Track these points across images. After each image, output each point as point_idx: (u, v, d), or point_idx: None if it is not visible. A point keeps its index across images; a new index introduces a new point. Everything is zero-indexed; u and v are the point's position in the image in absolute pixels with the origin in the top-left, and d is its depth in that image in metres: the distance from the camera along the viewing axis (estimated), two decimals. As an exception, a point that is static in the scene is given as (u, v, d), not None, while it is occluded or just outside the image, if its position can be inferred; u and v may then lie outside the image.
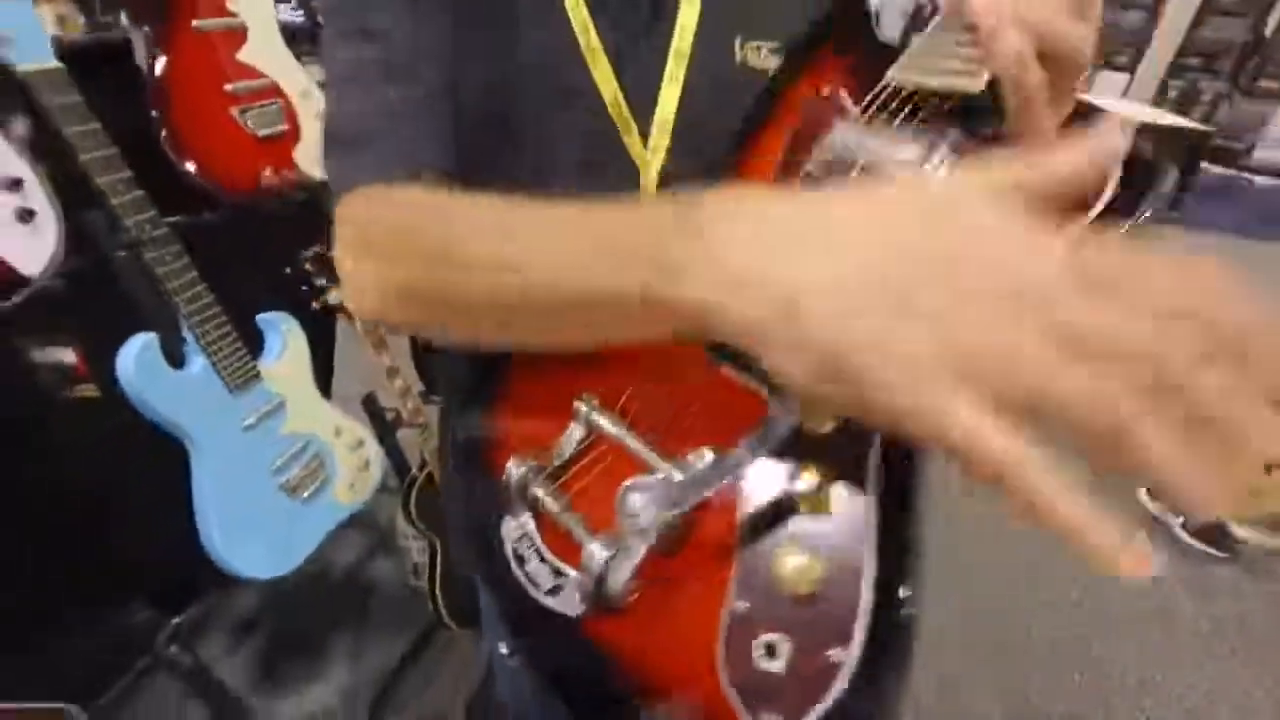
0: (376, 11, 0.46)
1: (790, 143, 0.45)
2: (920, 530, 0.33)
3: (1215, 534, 1.83)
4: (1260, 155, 4.28)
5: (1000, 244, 0.23)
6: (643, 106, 0.50)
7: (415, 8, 0.46)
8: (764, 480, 0.36)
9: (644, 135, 0.50)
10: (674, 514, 0.35)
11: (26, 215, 0.89)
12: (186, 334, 1.01)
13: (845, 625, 0.32)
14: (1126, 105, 4.40)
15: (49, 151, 0.90)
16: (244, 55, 1.19)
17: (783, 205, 0.28)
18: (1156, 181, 0.26)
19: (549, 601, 0.40)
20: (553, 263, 0.33)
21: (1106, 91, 4.76)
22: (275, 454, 1.15)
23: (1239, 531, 1.80)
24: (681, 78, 0.50)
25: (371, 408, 1.38)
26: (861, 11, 0.49)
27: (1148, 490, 1.87)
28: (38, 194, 0.91)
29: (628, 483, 0.37)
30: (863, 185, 0.27)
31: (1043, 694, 1.45)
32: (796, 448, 0.35)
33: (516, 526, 0.43)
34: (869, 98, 0.41)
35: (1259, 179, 4.21)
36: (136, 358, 0.95)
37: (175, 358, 1.00)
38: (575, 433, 0.42)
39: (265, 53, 1.22)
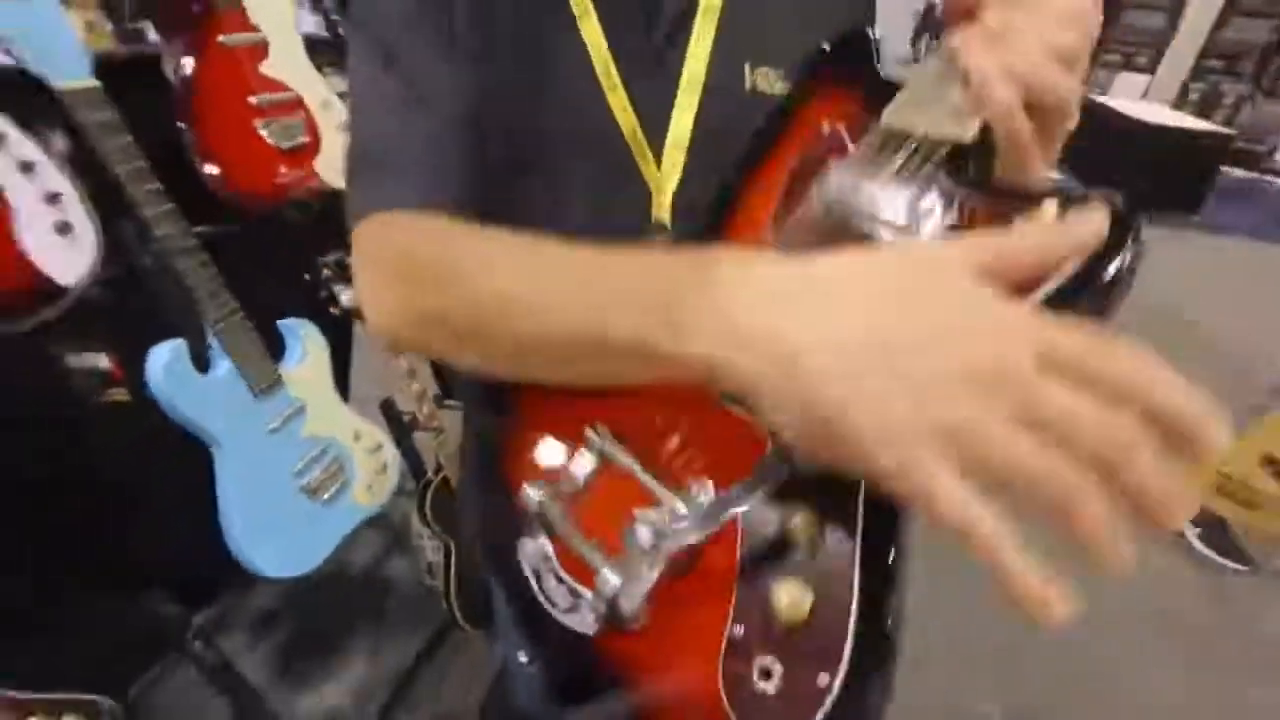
0: (405, 34, 0.47)
1: (788, 181, 0.46)
2: (905, 564, 0.35)
3: (1228, 544, 1.83)
4: (1283, 157, 4.23)
5: (981, 320, 0.26)
6: (656, 133, 0.51)
7: (440, 38, 0.47)
8: (762, 515, 0.38)
9: (657, 160, 0.52)
10: (680, 547, 0.37)
11: (65, 228, 0.92)
12: (212, 340, 1.03)
13: (834, 651, 0.34)
14: (1147, 108, 4.34)
15: (86, 165, 0.92)
16: (267, 68, 1.21)
17: (789, 268, 0.30)
18: (1097, 272, 0.28)
19: (565, 619, 0.43)
20: (570, 310, 0.35)
21: (1127, 93, 4.68)
22: (296, 457, 1.17)
23: (1248, 545, 1.81)
24: (694, 104, 0.51)
25: (390, 412, 1.41)
26: (864, 44, 0.50)
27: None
28: (76, 207, 0.93)
29: (637, 514, 0.39)
30: (860, 248, 0.29)
31: (1043, 694, 1.45)
32: (793, 485, 0.37)
33: (535, 548, 0.46)
34: (865, 138, 0.42)
35: (1281, 181, 4.16)
36: (166, 363, 0.97)
37: (202, 363, 1.03)
38: (588, 462, 0.45)
39: (288, 65, 1.24)
